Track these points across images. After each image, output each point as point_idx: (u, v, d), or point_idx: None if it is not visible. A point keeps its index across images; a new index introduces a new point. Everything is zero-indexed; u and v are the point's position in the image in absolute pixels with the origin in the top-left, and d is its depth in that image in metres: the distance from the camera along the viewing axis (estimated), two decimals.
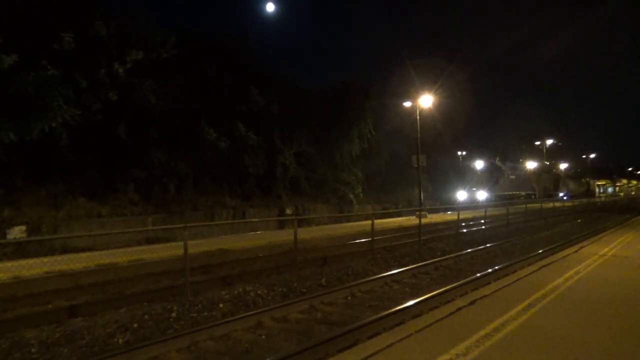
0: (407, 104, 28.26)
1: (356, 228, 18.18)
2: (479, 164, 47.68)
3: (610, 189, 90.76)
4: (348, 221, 24.62)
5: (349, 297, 8.35)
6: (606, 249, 12.22)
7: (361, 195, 33.94)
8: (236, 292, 8.72)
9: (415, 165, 26.41)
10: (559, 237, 17.90)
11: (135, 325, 6.77)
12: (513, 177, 55.99)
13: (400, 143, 37.92)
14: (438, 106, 29.68)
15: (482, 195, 39.26)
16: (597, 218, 30.91)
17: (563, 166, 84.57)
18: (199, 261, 10.79)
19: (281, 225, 23.26)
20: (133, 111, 20.43)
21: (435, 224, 21.30)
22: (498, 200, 42.43)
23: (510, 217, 24.05)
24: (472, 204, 36.27)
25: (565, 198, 53.35)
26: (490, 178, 45.60)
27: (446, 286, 8.54)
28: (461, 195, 40.42)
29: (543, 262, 10.25)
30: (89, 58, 17.74)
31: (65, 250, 13.92)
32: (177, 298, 8.24)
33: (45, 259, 10.12)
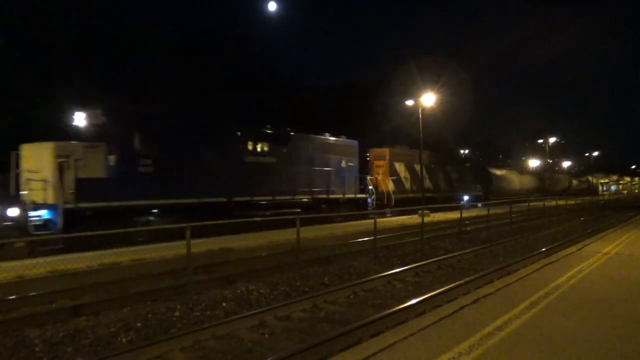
0: (410, 103, 28.24)
1: (359, 227, 18.15)
2: None
3: (613, 187, 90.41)
4: (352, 219, 24.54)
5: (352, 296, 8.35)
6: (609, 247, 12.19)
7: None
8: (239, 291, 8.74)
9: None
10: (562, 236, 17.88)
11: (139, 324, 6.79)
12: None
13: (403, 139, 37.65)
14: (441, 104, 29.62)
15: None
16: (600, 216, 30.82)
17: (566, 164, 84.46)
18: (201, 260, 10.79)
19: (284, 224, 23.17)
20: (134, 111, 20.48)
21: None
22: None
23: None
24: None
25: (479, 205, 30.11)
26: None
27: (449, 284, 8.54)
28: None
29: (546, 261, 10.24)
30: (91, 58, 17.82)
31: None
32: (181, 297, 8.25)
33: (49, 259, 10.13)
